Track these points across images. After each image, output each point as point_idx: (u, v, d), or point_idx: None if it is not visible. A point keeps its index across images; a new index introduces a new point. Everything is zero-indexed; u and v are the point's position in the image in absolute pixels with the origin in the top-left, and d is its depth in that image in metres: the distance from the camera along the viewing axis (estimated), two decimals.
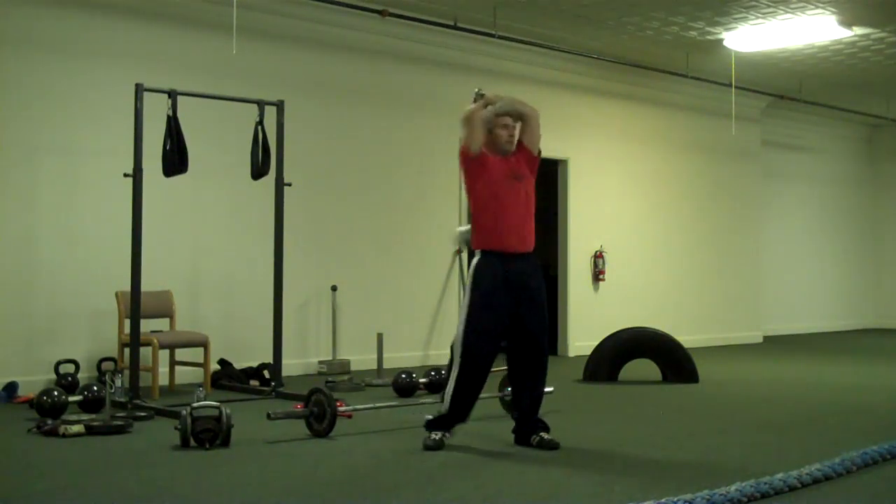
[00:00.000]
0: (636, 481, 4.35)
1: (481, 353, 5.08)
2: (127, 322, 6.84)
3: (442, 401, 5.22)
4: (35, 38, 7.40)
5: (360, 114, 9.24)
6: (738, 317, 12.83)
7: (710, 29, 9.83)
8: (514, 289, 5.07)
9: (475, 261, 5.14)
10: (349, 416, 5.77)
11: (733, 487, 3.92)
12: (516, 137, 5.22)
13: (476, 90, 5.32)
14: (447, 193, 9.75)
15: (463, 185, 5.35)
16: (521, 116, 5.23)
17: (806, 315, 14.67)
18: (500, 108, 5.20)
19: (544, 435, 5.10)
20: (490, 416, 5.95)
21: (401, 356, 9.07)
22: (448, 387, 5.16)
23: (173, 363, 7.45)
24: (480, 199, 5.15)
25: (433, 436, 5.08)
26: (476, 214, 5.19)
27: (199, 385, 6.11)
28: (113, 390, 6.30)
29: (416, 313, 9.58)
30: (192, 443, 5.03)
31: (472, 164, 5.16)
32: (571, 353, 10.65)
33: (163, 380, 7.30)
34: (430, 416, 5.18)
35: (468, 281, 5.16)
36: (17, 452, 5.06)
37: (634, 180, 11.69)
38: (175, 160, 6.55)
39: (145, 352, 7.08)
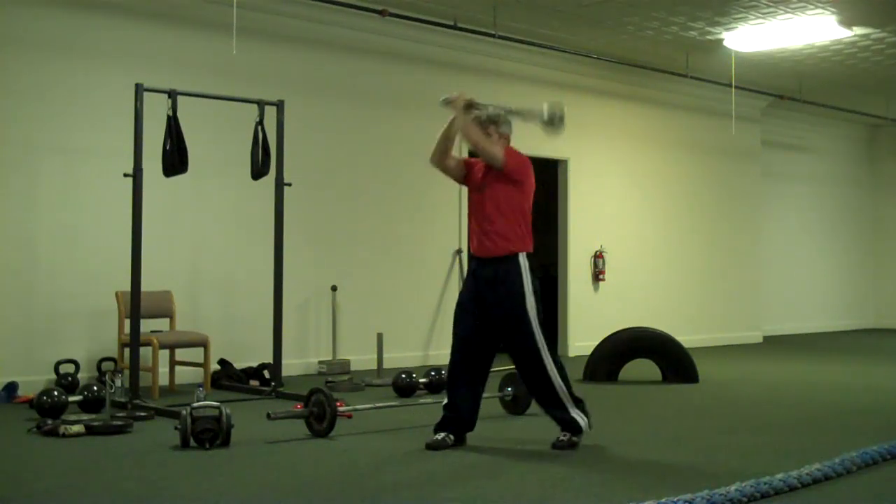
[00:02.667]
0: (636, 481, 4.35)
1: (455, 352, 5.19)
2: (127, 322, 6.84)
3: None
4: (35, 38, 7.40)
5: (360, 114, 9.25)
6: (738, 317, 12.83)
7: (710, 29, 9.83)
8: (478, 293, 5.17)
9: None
10: (349, 416, 5.77)
11: (733, 487, 3.92)
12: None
13: (442, 99, 5.27)
14: (447, 193, 9.74)
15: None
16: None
17: (806, 315, 14.67)
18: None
19: (561, 436, 5.13)
20: (490, 417, 5.95)
21: (401, 356, 9.07)
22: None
23: (173, 363, 7.45)
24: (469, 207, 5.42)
25: (436, 436, 5.10)
26: None
27: (199, 385, 6.10)
28: (113, 390, 6.30)
29: (416, 313, 9.58)
30: (192, 443, 5.03)
31: (459, 179, 5.46)
32: (571, 353, 10.65)
33: (163, 380, 7.30)
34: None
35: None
36: (17, 452, 5.06)
37: (634, 180, 11.69)
38: (175, 160, 6.56)
39: (145, 352, 7.08)
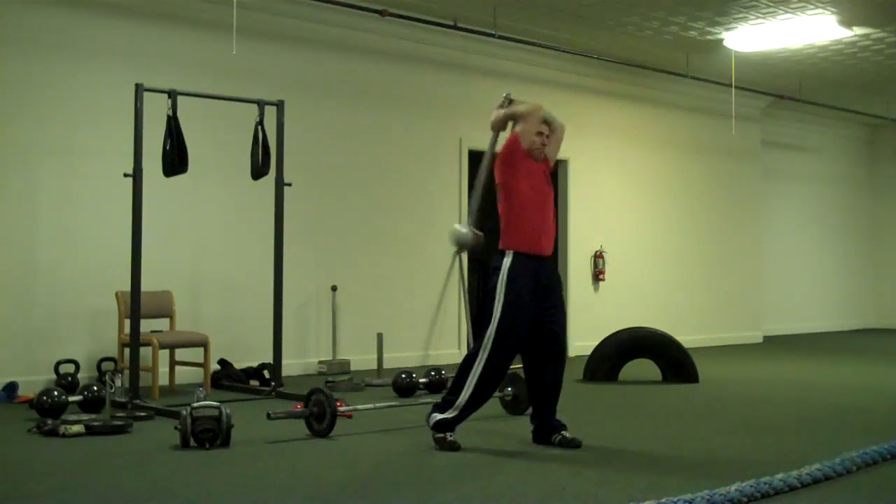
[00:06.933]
0: (636, 481, 4.35)
1: (509, 353, 5.12)
2: (127, 322, 6.84)
3: (449, 400, 5.14)
4: (35, 38, 7.39)
5: (360, 114, 9.25)
6: (738, 317, 12.83)
7: (710, 29, 9.83)
8: (544, 290, 5.14)
9: (508, 262, 5.07)
10: (349, 416, 5.77)
11: (733, 487, 3.93)
12: (547, 146, 5.28)
13: (505, 94, 5.32)
14: (447, 193, 9.75)
15: (499, 182, 5.20)
16: (553, 127, 5.31)
17: (806, 315, 14.67)
18: (543, 114, 5.26)
19: (566, 434, 5.15)
20: (490, 416, 5.95)
21: (401, 356, 9.07)
22: (466, 387, 5.08)
23: (173, 363, 7.45)
24: (523, 200, 5.10)
25: (448, 437, 5.08)
26: (516, 215, 5.11)
27: (199, 385, 6.11)
28: (113, 390, 6.30)
29: (416, 313, 9.58)
30: (192, 443, 5.03)
31: (520, 160, 5.11)
32: (571, 353, 10.61)
33: (163, 380, 7.30)
34: (440, 417, 5.12)
35: (501, 281, 5.05)
36: (17, 452, 5.06)
37: (634, 180, 11.69)
38: (175, 160, 6.55)
39: (145, 352, 7.08)
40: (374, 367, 8.51)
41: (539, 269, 5.10)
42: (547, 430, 5.18)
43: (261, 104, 7.02)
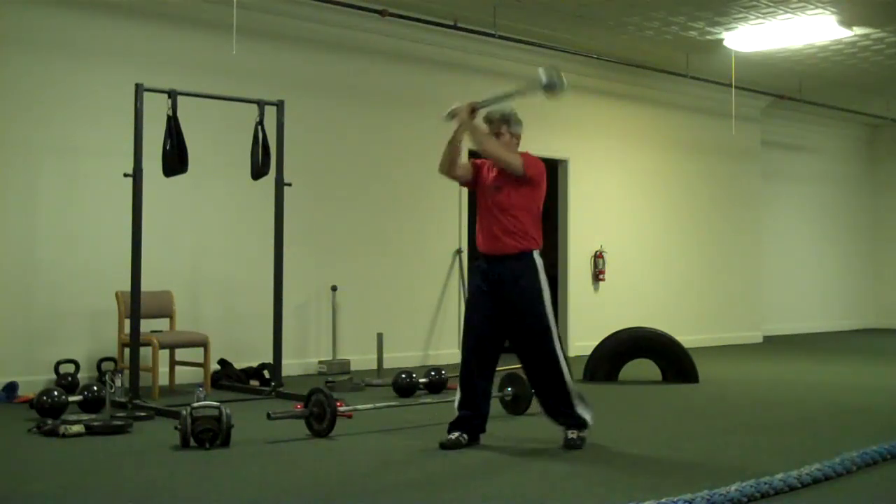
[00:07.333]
0: (636, 481, 4.35)
1: (469, 350, 5.19)
2: (127, 322, 6.84)
3: None
4: (35, 38, 7.40)
5: (360, 114, 9.25)
6: (738, 317, 12.83)
7: (710, 29, 9.83)
8: (493, 291, 5.16)
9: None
10: (349, 416, 5.77)
11: (733, 487, 3.93)
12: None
13: (448, 112, 5.18)
14: (447, 193, 9.74)
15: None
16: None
17: (806, 315, 14.67)
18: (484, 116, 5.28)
19: (569, 433, 5.14)
20: (490, 416, 5.94)
21: (401, 356, 9.07)
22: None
23: (173, 363, 7.45)
24: (477, 210, 5.36)
25: (450, 435, 5.09)
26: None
27: (199, 385, 6.11)
28: (113, 390, 6.30)
29: (416, 313, 9.58)
30: (192, 443, 5.03)
31: (468, 183, 5.40)
32: (571, 353, 10.63)
33: (163, 380, 7.30)
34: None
35: None
36: (17, 452, 5.06)
37: (634, 180, 11.69)
38: (175, 160, 6.56)
39: (145, 352, 7.08)
40: (374, 367, 8.52)
41: (480, 267, 5.23)
42: (558, 423, 5.20)
43: (261, 104, 7.02)
